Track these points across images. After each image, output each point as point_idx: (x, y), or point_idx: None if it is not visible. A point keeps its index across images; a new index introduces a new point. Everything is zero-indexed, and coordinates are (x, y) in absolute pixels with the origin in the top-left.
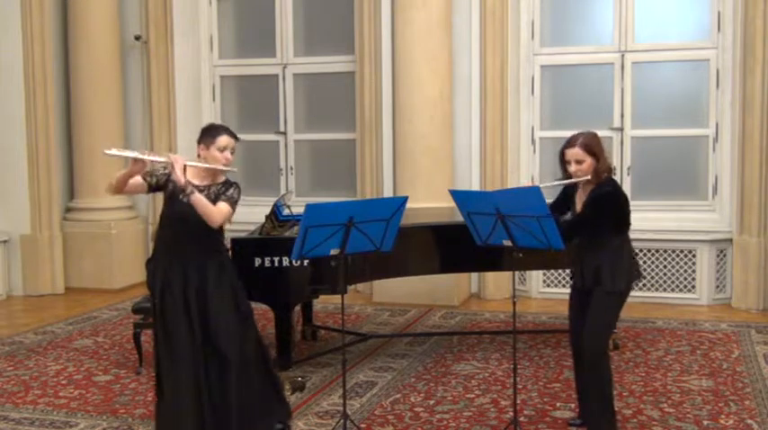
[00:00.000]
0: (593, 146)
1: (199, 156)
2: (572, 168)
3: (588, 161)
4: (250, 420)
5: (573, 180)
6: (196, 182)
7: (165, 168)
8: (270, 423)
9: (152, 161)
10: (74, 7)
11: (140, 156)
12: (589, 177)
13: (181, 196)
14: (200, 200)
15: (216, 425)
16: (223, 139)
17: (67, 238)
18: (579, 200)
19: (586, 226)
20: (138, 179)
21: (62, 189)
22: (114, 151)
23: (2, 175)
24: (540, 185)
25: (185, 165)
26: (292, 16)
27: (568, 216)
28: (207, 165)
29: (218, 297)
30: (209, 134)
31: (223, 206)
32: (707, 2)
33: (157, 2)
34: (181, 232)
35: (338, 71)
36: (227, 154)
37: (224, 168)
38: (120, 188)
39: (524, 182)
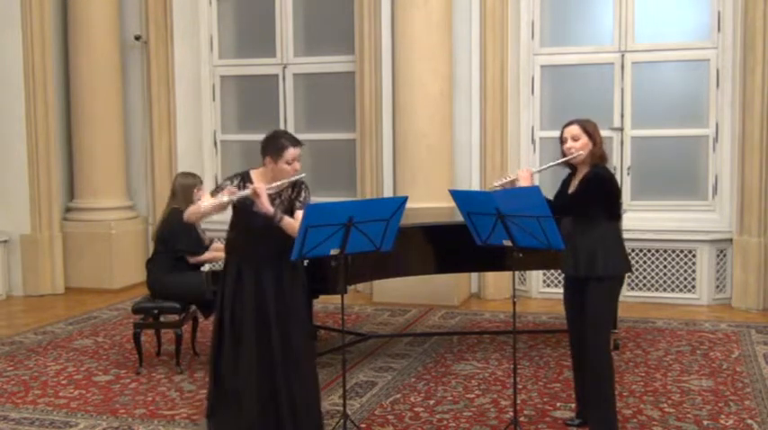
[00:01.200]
0: (590, 127)
1: (265, 165)
2: (567, 145)
3: (584, 139)
4: (311, 412)
5: (567, 158)
6: (268, 192)
7: (234, 183)
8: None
9: (239, 198)
10: (74, 7)
11: (230, 200)
12: (583, 153)
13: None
14: (288, 223)
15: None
16: (290, 153)
17: (67, 238)
18: (573, 185)
19: (578, 204)
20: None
21: (62, 189)
22: (207, 204)
23: (2, 175)
24: (536, 169)
25: (267, 190)
26: (292, 16)
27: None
28: (281, 183)
29: (293, 299)
30: (275, 148)
31: (301, 215)
32: (707, 2)
33: (157, 2)
34: (261, 242)
35: (338, 71)
36: (296, 164)
37: (295, 178)
38: (200, 219)
39: (519, 170)
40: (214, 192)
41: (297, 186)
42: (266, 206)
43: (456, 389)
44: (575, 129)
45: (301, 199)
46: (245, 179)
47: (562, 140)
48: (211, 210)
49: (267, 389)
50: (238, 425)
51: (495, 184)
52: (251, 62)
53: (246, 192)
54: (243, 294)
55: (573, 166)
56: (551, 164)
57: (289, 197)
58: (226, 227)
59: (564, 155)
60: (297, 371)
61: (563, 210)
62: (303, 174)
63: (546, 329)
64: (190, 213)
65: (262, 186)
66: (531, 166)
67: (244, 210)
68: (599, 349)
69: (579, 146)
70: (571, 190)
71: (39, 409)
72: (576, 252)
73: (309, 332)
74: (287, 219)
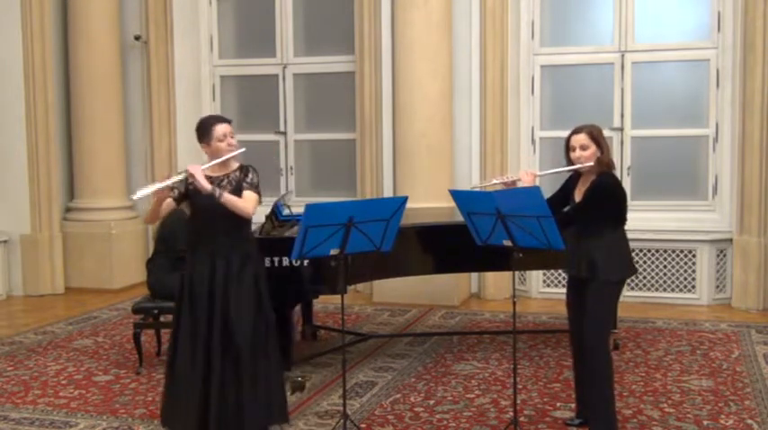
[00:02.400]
0: (598, 135)
1: (205, 154)
2: (575, 154)
3: (592, 149)
4: (248, 417)
5: (573, 167)
6: (213, 175)
7: (180, 175)
8: (266, 423)
9: (173, 182)
10: (74, 7)
11: (162, 185)
12: (591, 164)
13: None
14: (230, 200)
15: (218, 417)
16: (219, 129)
17: (67, 238)
18: (579, 192)
19: (585, 213)
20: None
21: (62, 189)
22: (140, 193)
23: (2, 175)
24: (540, 173)
25: (202, 171)
26: (292, 16)
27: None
28: (219, 160)
29: (239, 287)
30: (203, 130)
31: (249, 195)
32: (707, 2)
33: (157, 2)
34: (209, 225)
35: (338, 71)
36: (229, 140)
37: (234, 153)
38: (155, 217)
39: (523, 171)
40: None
41: (244, 168)
42: (203, 184)
43: (456, 389)
44: (583, 139)
45: (248, 179)
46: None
47: (569, 148)
48: (156, 204)
49: (205, 384)
50: (186, 423)
51: (495, 181)
52: (251, 62)
53: (181, 175)
54: (195, 285)
55: (577, 172)
56: (558, 170)
57: (237, 179)
58: None
59: (570, 162)
60: (236, 365)
61: (570, 221)
62: (243, 149)
63: (546, 329)
64: (146, 217)
65: (195, 166)
66: (534, 169)
67: (194, 198)
68: (599, 349)
69: (588, 155)
70: (577, 197)
71: (39, 409)
72: (578, 254)
73: (266, 322)
74: (227, 195)
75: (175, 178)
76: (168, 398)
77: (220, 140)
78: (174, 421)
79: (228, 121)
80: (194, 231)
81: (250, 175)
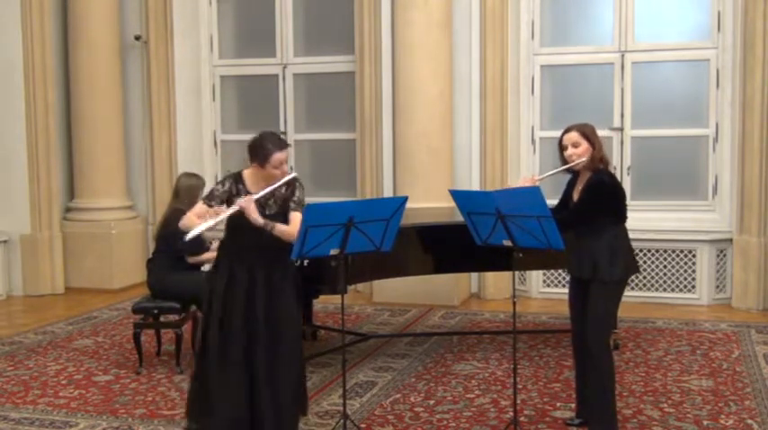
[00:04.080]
0: (588, 132)
1: (251, 167)
2: (568, 152)
3: (584, 145)
4: (280, 408)
5: (569, 165)
6: (258, 191)
7: (223, 186)
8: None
9: (225, 217)
10: (74, 7)
11: (218, 220)
12: (584, 160)
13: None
14: (281, 231)
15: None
16: (277, 157)
17: (67, 238)
18: (577, 191)
19: (583, 213)
20: (203, 208)
21: (62, 189)
22: (192, 234)
23: (2, 175)
24: (538, 177)
25: (254, 202)
26: (292, 16)
27: None
28: (271, 189)
29: (283, 291)
30: (261, 155)
31: (297, 217)
32: (707, 2)
33: (157, 2)
34: (251, 241)
35: (338, 71)
36: (284, 168)
37: (285, 180)
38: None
39: (522, 178)
40: (207, 198)
41: (291, 185)
42: (256, 219)
43: (456, 389)
44: (574, 136)
45: (295, 198)
46: (237, 181)
47: (562, 148)
48: (202, 232)
49: (249, 393)
50: (220, 426)
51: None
52: (251, 62)
53: (233, 209)
54: (233, 295)
55: (575, 171)
56: (554, 171)
57: (283, 196)
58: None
59: (565, 162)
60: (282, 373)
61: (570, 223)
62: (294, 174)
63: (546, 329)
64: (184, 226)
65: (249, 203)
66: (531, 169)
67: (241, 217)
68: (600, 348)
69: (580, 152)
70: (576, 197)
71: (39, 409)
72: (580, 254)
73: (299, 334)
74: (279, 227)
75: (227, 213)
76: (201, 393)
77: (275, 168)
78: (210, 414)
79: (287, 147)
80: (235, 242)
81: (297, 193)
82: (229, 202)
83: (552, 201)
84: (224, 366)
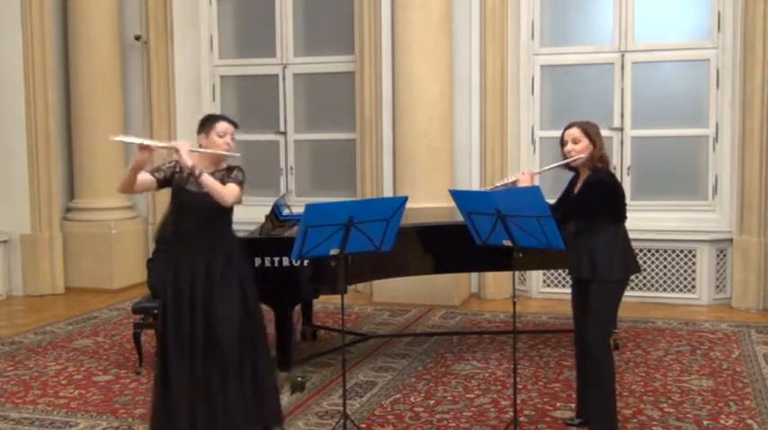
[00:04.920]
0: (590, 129)
1: (200, 145)
2: (567, 148)
3: (584, 142)
4: (237, 421)
5: (567, 161)
6: (191, 152)
7: (170, 163)
8: (259, 426)
9: (157, 146)
10: (74, 7)
11: (146, 142)
12: (583, 156)
13: (192, 180)
14: (210, 179)
15: (207, 423)
16: (221, 125)
17: (67, 238)
18: (577, 189)
19: (580, 209)
20: (146, 176)
21: (62, 189)
22: (122, 137)
23: (2, 175)
24: (536, 172)
25: (190, 151)
26: (292, 16)
27: None
28: (211, 151)
29: (223, 288)
30: (207, 122)
31: (231, 186)
32: (707, 2)
33: (157, 2)
34: (190, 224)
35: (338, 71)
36: (228, 139)
37: (227, 153)
38: (131, 184)
39: (520, 173)
40: (151, 170)
41: (230, 168)
42: (185, 159)
43: (456, 389)
44: (575, 132)
45: (233, 176)
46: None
47: (562, 143)
48: (132, 172)
49: (191, 386)
50: (173, 424)
51: (497, 185)
52: (251, 62)
53: (166, 144)
54: (179, 291)
55: (575, 169)
56: (552, 166)
57: (221, 177)
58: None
59: (565, 157)
60: (220, 368)
61: (566, 215)
62: (237, 154)
63: (546, 329)
64: (120, 184)
65: (184, 143)
66: (531, 168)
67: (178, 189)
68: (600, 348)
69: (579, 149)
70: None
71: (39, 409)
72: (579, 254)
73: (253, 324)
74: (207, 175)
75: (161, 143)
76: (159, 405)
77: (219, 136)
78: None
79: (235, 124)
80: (175, 230)
81: (235, 172)
82: (173, 180)
83: (552, 201)
84: (171, 378)
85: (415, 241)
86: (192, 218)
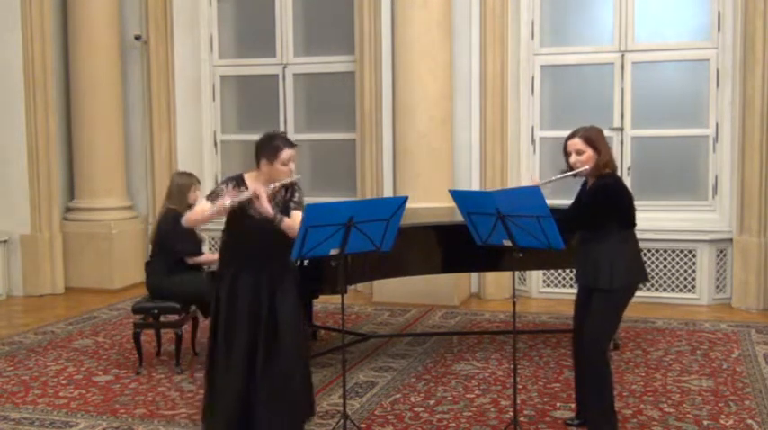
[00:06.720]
0: (593, 138)
1: (260, 168)
2: (572, 159)
3: (588, 152)
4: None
5: (572, 172)
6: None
7: (225, 185)
8: (300, 419)
9: (241, 200)
10: (74, 7)
11: (232, 203)
12: (588, 167)
13: (252, 205)
14: (288, 226)
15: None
16: (286, 153)
17: (67, 238)
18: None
19: (584, 217)
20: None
21: (62, 189)
22: (210, 211)
23: (2, 175)
24: (541, 182)
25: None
26: (292, 16)
27: None
28: (280, 184)
29: (284, 295)
30: (269, 148)
31: (297, 215)
32: (707, 2)
33: (157, 2)
34: (254, 244)
35: (338, 71)
36: (291, 165)
37: (291, 179)
38: (200, 224)
39: (530, 178)
40: (210, 197)
41: (290, 188)
42: (266, 208)
43: (456, 389)
44: (578, 143)
45: (296, 199)
46: (239, 183)
47: (566, 153)
48: (214, 216)
49: (248, 392)
50: (224, 425)
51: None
52: (251, 62)
53: (247, 194)
54: (238, 298)
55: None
56: (558, 177)
57: (283, 198)
58: (221, 227)
59: (570, 167)
60: (281, 378)
61: (572, 224)
62: (299, 176)
63: (546, 329)
64: (191, 220)
65: (261, 188)
66: (534, 174)
67: (240, 212)
68: (597, 356)
69: (584, 159)
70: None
71: (39, 409)
72: (584, 261)
73: (303, 334)
74: (286, 220)
75: (242, 196)
76: (210, 397)
77: (283, 164)
78: (216, 417)
79: (295, 146)
80: (238, 245)
81: (297, 194)
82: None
83: (553, 202)
84: (227, 371)
85: (415, 241)
86: (253, 238)
